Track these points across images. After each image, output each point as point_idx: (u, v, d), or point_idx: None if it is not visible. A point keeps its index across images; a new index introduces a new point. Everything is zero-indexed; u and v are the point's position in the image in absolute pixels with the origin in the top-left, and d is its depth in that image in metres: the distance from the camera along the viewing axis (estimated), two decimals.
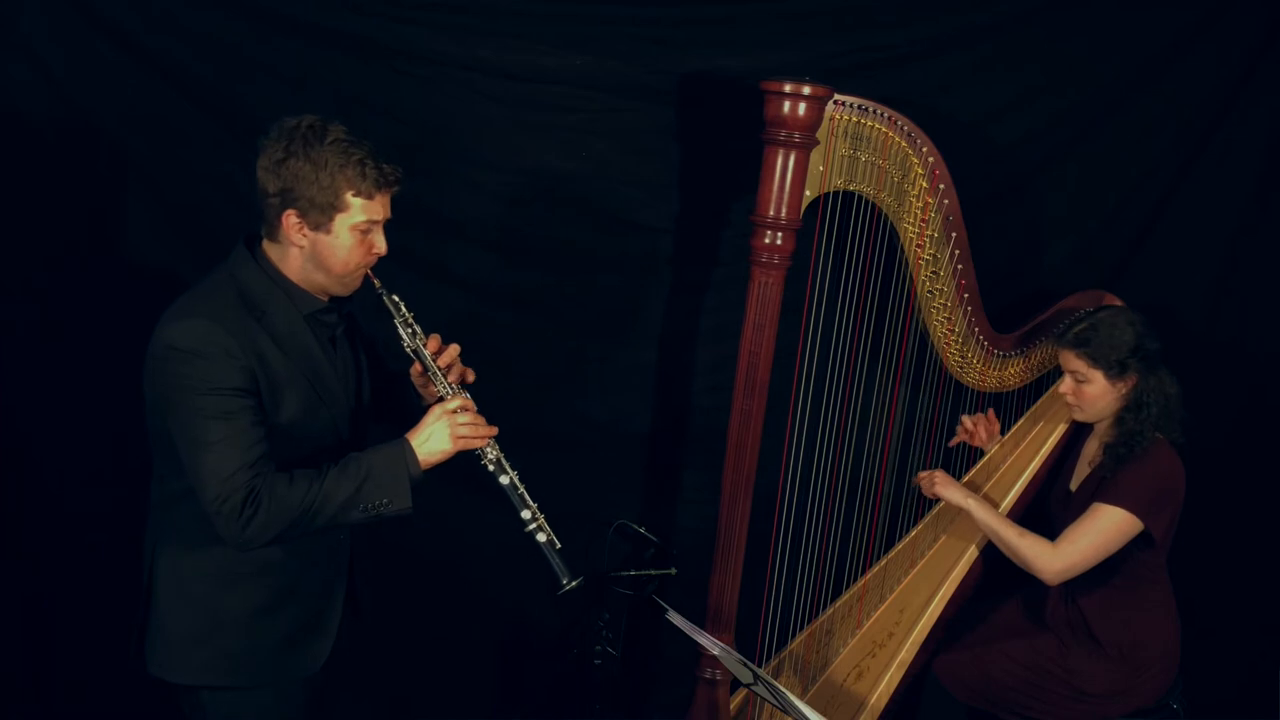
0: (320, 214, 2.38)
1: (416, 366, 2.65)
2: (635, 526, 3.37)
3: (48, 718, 3.41)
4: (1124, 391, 3.19)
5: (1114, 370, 3.16)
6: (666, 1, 3.40)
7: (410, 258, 3.30)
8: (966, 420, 3.58)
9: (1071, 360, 3.20)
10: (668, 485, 3.84)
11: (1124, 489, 3.12)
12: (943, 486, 3.38)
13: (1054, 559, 3.17)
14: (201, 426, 2.31)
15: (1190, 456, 3.26)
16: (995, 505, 3.43)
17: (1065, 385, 3.25)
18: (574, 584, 2.51)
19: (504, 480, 2.54)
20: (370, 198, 2.40)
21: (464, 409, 2.49)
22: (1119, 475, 3.15)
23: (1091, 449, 3.34)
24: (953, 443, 3.60)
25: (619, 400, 3.74)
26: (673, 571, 3.35)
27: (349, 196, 2.38)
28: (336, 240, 2.42)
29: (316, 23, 3.22)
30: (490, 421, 3.51)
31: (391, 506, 2.42)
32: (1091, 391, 3.20)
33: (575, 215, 3.54)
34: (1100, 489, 3.18)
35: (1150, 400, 3.17)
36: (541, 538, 2.52)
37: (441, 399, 2.56)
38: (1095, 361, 3.16)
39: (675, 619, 2.96)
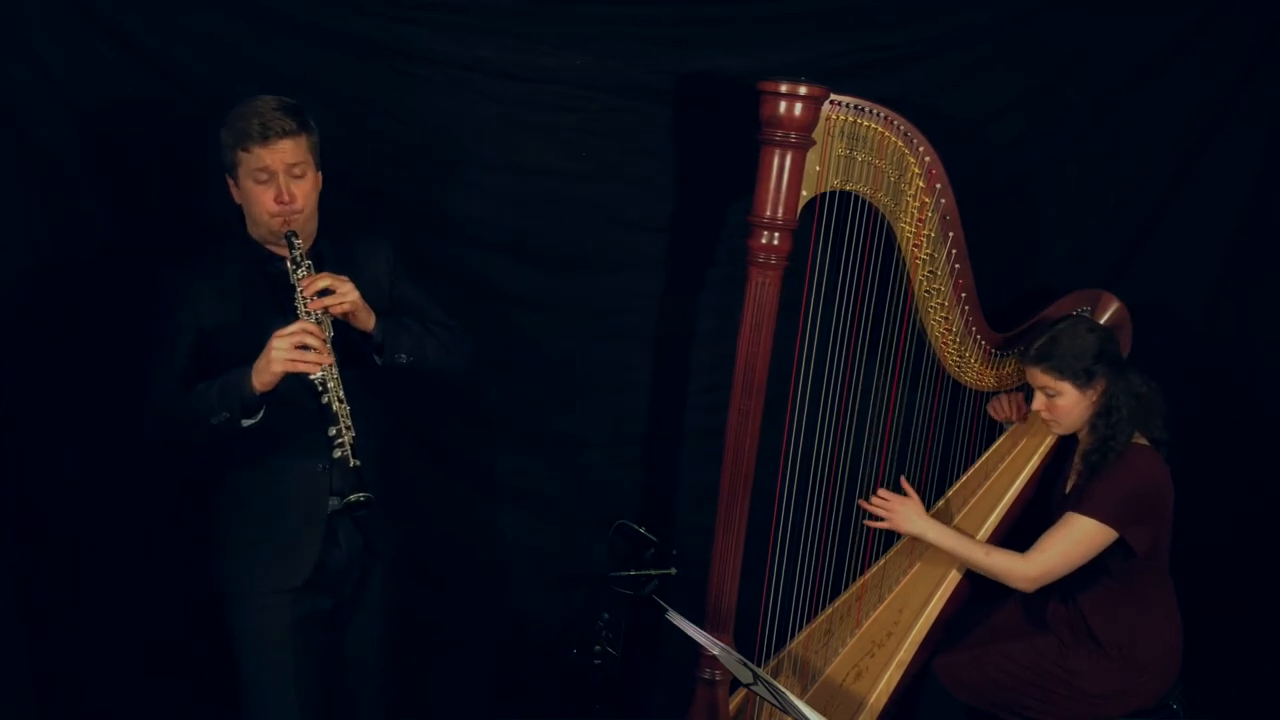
0: (233, 172, 2.75)
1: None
2: (635, 526, 3.38)
3: (48, 718, 3.41)
4: (1094, 399, 3.19)
5: (1081, 379, 3.17)
6: (666, 1, 3.40)
7: (409, 257, 3.30)
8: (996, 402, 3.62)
9: (1039, 376, 3.21)
10: (668, 485, 3.84)
11: (1095, 499, 3.13)
12: (902, 520, 3.37)
13: (1026, 568, 3.20)
14: (147, 352, 2.80)
15: (1190, 456, 3.26)
16: (993, 505, 3.44)
17: (1038, 402, 3.26)
18: (357, 497, 2.62)
19: (323, 400, 2.66)
20: (248, 150, 2.69)
21: (296, 333, 2.60)
22: (1093, 484, 3.16)
23: (1077, 456, 3.34)
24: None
25: (619, 400, 3.74)
26: (673, 571, 3.35)
27: (238, 152, 2.70)
28: (245, 193, 2.75)
29: (316, 23, 3.23)
30: (490, 421, 3.56)
31: (229, 421, 2.65)
32: (1064, 404, 3.20)
33: (575, 215, 3.54)
34: (1078, 498, 3.19)
35: (1120, 404, 3.17)
36: (337, 454, 2.65)
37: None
38: (1062, 373, 3.17)
39: (675, 619, 2.96)
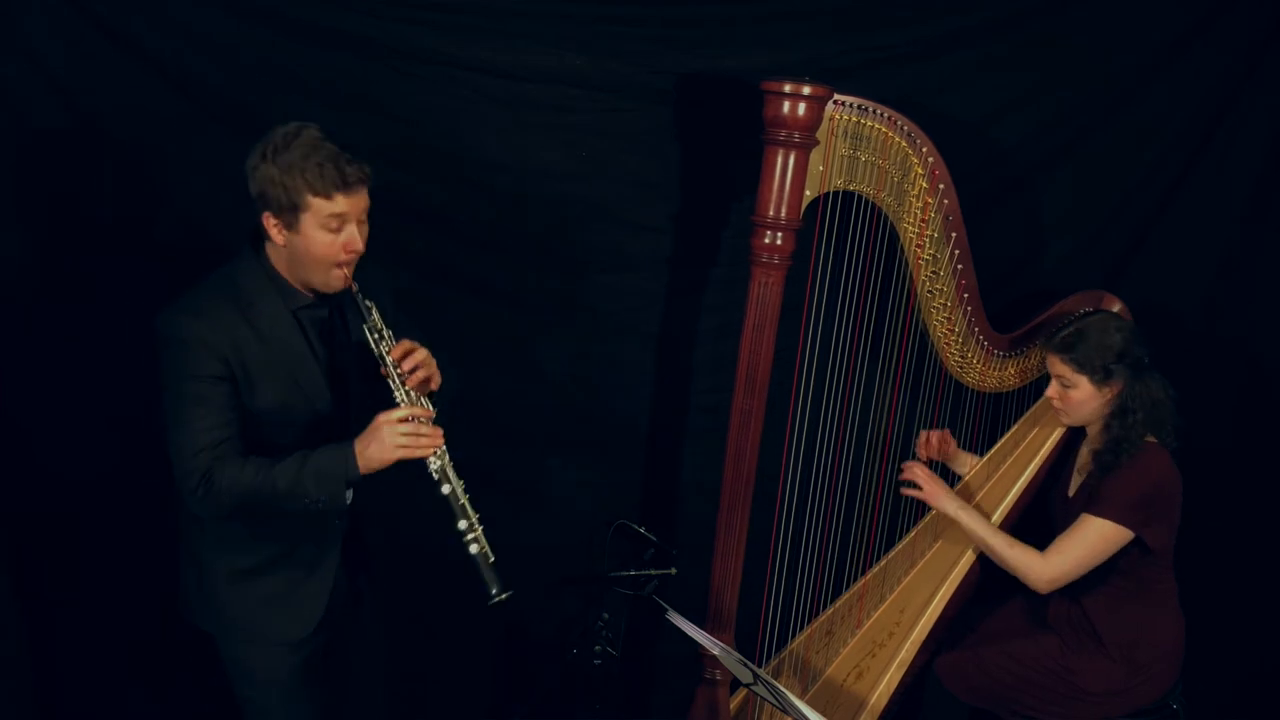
0: (290, 215, 2.53)
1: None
2: (635, 526, 3.37)
3: (49, 717, 3.41)
4: (1109, 397, 3.19)
5: (1099, 376, 3.16)
6: (667, 1, 3.40)
7: (410, 257, 3.30)
8: (922, 435, 3.60)
9: (1057, 365, 3.20)
10: (668, 485, 3.84)
11: (1110, 499, 3.13)
12: (931, 496, 3.38)
13: (1043, 569, 3.20)
14: (174, 408, 2.56)
15: (1190, 457, 3.26)
16: (995, 505, 3.44)
17: (1052, 389, 3.26)
18: (503, 596, 2.58)
19: (445, 490, 2.59)
20: (329, 197, 2.51)
21: (409, 419, 2.54)
22: (1106, 484, 3.15)
23: (1084, 455, 3.34)
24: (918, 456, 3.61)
25: (619, 400, 3.74)
26: (673, 571, 3.34)
27: (309, 197, 2.50)
28: (307, 239, 2.55)
29: (316, 22, 3.22)
30: (489, 421, 3.55)
31: (327, 503, 2.57)
32: (1077, 396, 3.20)
33: (575, 215, 3.53)
34: (1089, 498, 3.18)
35: (1135, 406, 3.17)
36: (474, 549, 2.58)
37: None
38: (1080, 367, 3.16)
39: (675, 619, 2.96)
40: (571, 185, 3.50)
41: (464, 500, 2.59)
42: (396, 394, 2.60)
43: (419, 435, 2.53)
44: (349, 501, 2.61)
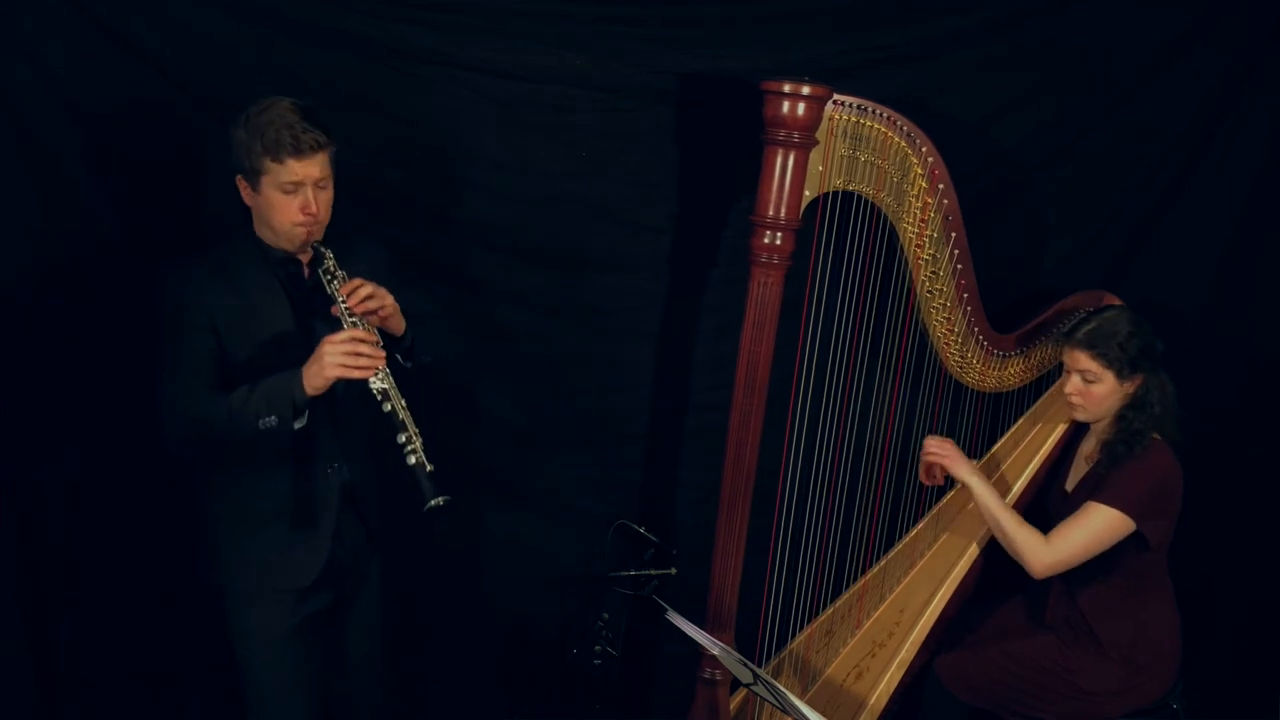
0: (253, 178, 2.73)
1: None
2: (635, 526, 3.37)
3: (49, 717, 3.41)
4: (1129, 391, 3.19)
5: (1125, 371, 3.16)
6: (667, 1, 3.40)
7: (410, 256, 3.30)
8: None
9: (1082, 360, 3.19)
10: (668, 485, 3.84)
11: (1118, 489, 3.12)
12: (948, 459, 3.36)
13: (1043, 553, 3.19)
14: (161, 355, 2.78)
15: (1189, 456, 3.26)
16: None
17: (1072, 385, 3.24)
18: (438, 501, 2.64)
19: (386, 408, 2.69)
20: (281, 162, 2.68)
21: (349, 340, 2.64)
22: (1114, 475, 3.15)
23: (1089, 447, 3.34)
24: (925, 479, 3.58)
25: (619, 400, 3.74)
26: (673, 571, 3.35)
27: (267, 161, 2.69)
28: (267, 201, 2.74)
29: (316, 22, 3.22)
30: (490, 421, 3.55)
31: (278, 423, 2.69)
32: (1100, 391, 3.19)
33: (575, 215, 3.53)
34: (1095, 488, 3.18)
35: (1154, 400, 3.18)
36: (412, 460, 2.66)
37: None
38: (1108, 362, 3.16)
39: (675, 619, 2.96)
40: (571, 185, 3.50)
41: (404, 416, 2.68)
42: (344, 323, 2.71)
43: (359, 355, 2.63)
44: (299, 425, 2.72)
